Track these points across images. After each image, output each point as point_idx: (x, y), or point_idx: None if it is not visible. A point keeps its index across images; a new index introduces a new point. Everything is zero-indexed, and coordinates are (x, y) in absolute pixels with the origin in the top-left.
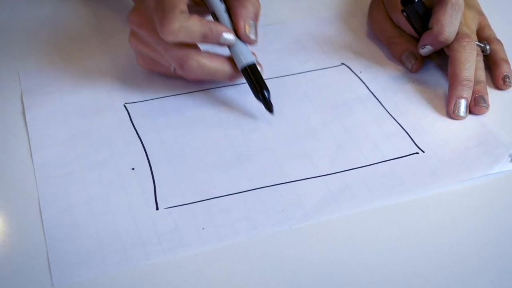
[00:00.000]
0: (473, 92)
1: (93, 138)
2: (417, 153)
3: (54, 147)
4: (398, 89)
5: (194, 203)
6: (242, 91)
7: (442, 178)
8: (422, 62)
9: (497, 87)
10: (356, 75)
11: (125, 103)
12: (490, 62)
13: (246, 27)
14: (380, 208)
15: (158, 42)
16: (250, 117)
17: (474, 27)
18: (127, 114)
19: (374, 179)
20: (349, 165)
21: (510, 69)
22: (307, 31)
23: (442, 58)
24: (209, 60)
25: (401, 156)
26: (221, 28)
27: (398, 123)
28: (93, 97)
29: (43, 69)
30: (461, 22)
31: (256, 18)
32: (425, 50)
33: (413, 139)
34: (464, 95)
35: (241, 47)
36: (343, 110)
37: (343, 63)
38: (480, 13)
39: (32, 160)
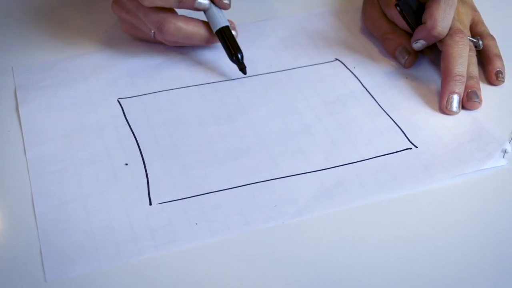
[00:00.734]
0: (466, 87)
1: (87, 134)
2: (410, 148)
3: (47, 142)
4: (392, 84)
5: (187, 199)
6: (236, 86)
7: (435, 173)
8: (416, 57)
9: (490, 82)
10: (350, 71)
11: (119, 98)
12: (483, 57)
13: None
14: (373, 203)
15: (137, 7)
16: (243, 112)
17: (467, 23)
18: (121, 109)
19: (367, 175)
20: (343, 161)
21: (503, 64)
22: (301, 26)
23: (435, 53)
24: (185, 23)
25: (394, 151)
26: None
27: (392, 119)
28: (87, 93)
29: (37, 64)
30: (454, 17)
31: None
32: (418, 44)
33: (406, 135)
34: (457, 90)
35: (215, 11)
36: (336, 105)
37: (337, 59)
38: (474, 9)
39: (26, 156)
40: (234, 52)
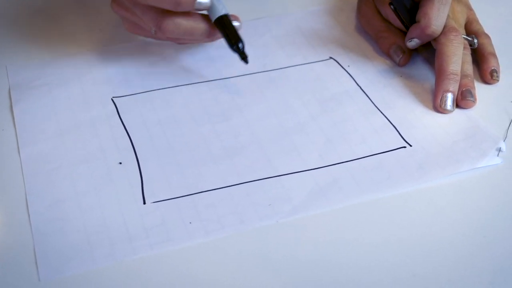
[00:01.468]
0: (460, 86)
1: (81, 133)
2: (405, 147)
3: (41, 141)
4: (386, 83)
5: (182, 197)
6: (231, 85)
7: (429, 172)
8: (410, 56)
9: (485, 81)
10: (344, 69)
11: (113, 97)
12: (478, 56)
13: None
14: (368, 202)
15: (135, 5)
16: (238, 111)
17: (462, 21)
18: (115, 108)
19: (362, 173)
20: (337, 159)
21: (498, 63)
22: (295, 25)
23: (430, 51)
24: (184, 19)
25: (388, 150)
26: None
27: (386, 117)
28: (81, 91)
29: (31, 63)
30: (448, 15)
31: None
32: (412, 43)
33: (401, 133)
34: (451, 89)
35: (214, 1)
36: (331, 104)
37: (331, 57)
38: (469, 8)
39: (20, 155)
40: (234, 41)
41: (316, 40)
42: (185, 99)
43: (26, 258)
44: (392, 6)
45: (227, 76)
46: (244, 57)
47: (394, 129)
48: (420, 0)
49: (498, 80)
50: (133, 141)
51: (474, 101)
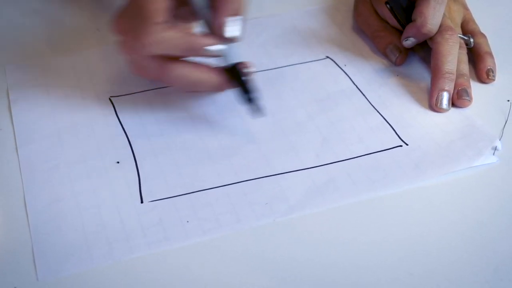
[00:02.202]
0: (456, 85)
1: (79, 132)
2: (401, 146)
3: (39, 141)
4: (382, 82)
5: (179, 196)
6: None
7: (425, 171)
8: (406, 55)
9: (481, 80)
10: (341, 69)
11: (110, 96)
12: (474, 55)
13: (226, 26)
14: (364, 201)
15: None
16: (235, 110)
17: (458, 20)
18: (113, 108)
19: (358, 172)
20: (334, 158)
21: (494, 62)
22: (292, 24)
23: (426, 51)
24: (191, 68)
25: (385, 149)
26: (203, 40)
27: (382, 116)
28: (79, 91)
29: (29, 63)
30: (444, 15)
31: (238, 13)
32: (408, 42)
33: (397, 132)
34: (446, 88)
35: (225, 47)
36: (327, 103)
37: (327, 57)
38: (465, 7)
39: (18, 154)
40: (245, 92)
41: (313, 39)
42: (182, 98)
43: (24, 258)
44: (388, 5)
45: None
46: (258, 110)
47: (390, 128)
48: None
49: (494, 80)
50: (130, 141)
51: (470, 100)
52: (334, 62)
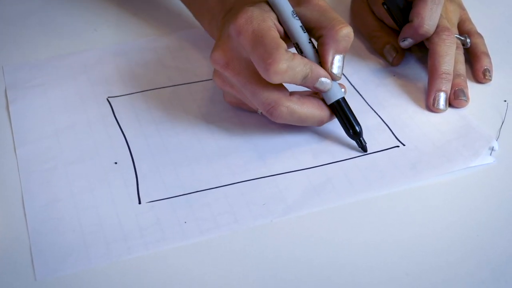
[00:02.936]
0: (453, 86)
1: (77, 132)
2: (398, 146)
3: (37, 141)
4: (379, 82)
5: (176, 197)
6: None
7: (422, 171)
8: (403, 55)
9: (478, 80)
10: None
11: (108, 97)
12: (471, 55)
13: (334, 63)
14: (361, 201)
15: (245, 85)
16: (232, 111)
17: (455, 20)
18: (110, 108)
19: (355, 172)
20: (331, 159)
21: (491, 62)
22: None
23: (423, 51)
24: (299, 105)
25: (382, 149)
26: (321, 71)
27: (379, 116)
28: (77, 91)
29: (27, 63)
30: (441, 15)
31: (345, 51)
32: (405, 43)
33: (394, 132)
34: (443, 88)
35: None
36: None
37: None
38: (462, 7)
39: (16, 154)
40: (352, 128)
41: None
42: (180, 99)
43: (22, 258)
44: (385, 6)
45: None
46: (362, 146)
47: (387, 128)
48: (412, 0)
49: (490, 80)
50: (128, 141)
51: (467, 101)
52: None
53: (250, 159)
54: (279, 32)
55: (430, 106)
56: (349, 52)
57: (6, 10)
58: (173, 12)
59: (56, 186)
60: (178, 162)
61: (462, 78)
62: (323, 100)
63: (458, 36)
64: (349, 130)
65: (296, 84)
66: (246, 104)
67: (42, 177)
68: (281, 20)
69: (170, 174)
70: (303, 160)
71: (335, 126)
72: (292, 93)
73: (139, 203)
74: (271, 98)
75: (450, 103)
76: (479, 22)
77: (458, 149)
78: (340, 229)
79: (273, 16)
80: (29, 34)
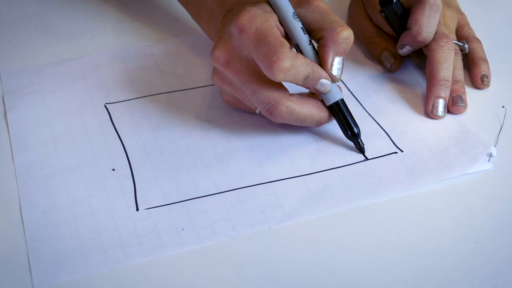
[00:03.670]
0: (451, 92)
1: (74, 139)
2: (396, 152)
3: (35, 148)
4: (377, 88)
5: (174, 204)
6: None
7: (420, 177)
8: (401, 62)
9: (476, 86)
10: None
11: (106, 103)
12: (469, 61)
13: (334, 65)
14: (359, 208)
15: (245, 84)
16: (230, 117)
17: (453, 26)
18: (108, 115)
19: (353, 179)
20: (328, 165)
21: (489, 68)
22: None
23: (421, 57)
24: (299, 105)
25: (380, 155)
26: (322, 72)
27: (377, 123)
28: (74, 98)
29: (24, 70)
30: (439, 22)
31: (345, 53)
32: (404, 50)
33: (392, 139)
34: (442, 95)
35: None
36: None
37: None
38: (460, 12)
39: (14, 161)
40: (351, 131)
41: None
42: (177, 105)
43: (20, 265)
44: (383, 14)
45: None
46: (360, 148)
47: (385, 134)
48: (411, 7)
49: (489, 85)
50: (126, 147)
51: (465, 107)
52: None
53: (248, 165)
54: (280, 33)
55: (429, 112)
56: (347, 58)
57: (3, 16)
58: (171, 18)
59: (53, 193)
60: (175, 168)
61: (460, 84)
62: (322, 102)
63: (456, 42)
64: (347, 132)
65: (298, 84)
66: (244, 104)
67: (40, 184)
68: (282, 21)
69: (168, 181)
70: (301, 167)
71: (333, 131)
72: (292, 94)
73: (137, 209)
74: (271, 97)
75: (448, 110)
76: (478, 27)
77: (456, 155)
78: (338, 236)
79: (274, 16)
80: (27, 40)
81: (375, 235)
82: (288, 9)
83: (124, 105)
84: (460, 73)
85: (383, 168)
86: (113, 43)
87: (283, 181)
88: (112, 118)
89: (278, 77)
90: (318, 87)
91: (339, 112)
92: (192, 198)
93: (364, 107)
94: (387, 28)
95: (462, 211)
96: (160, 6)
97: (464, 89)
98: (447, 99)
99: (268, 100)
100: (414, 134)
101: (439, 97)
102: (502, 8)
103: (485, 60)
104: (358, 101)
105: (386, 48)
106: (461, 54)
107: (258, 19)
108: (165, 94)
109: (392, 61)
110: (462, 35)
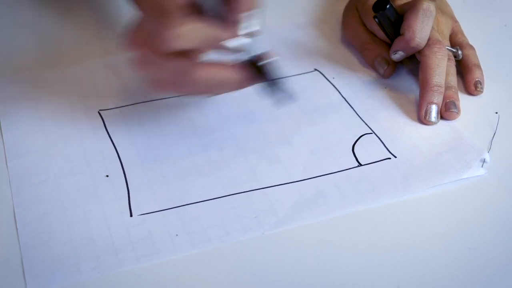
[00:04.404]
0: (444, 98)
1: (68, 146)
2: (389, 158)
3: (29, 155)
4: (371, 94)
5: (168, 210)
6: (217, 98)
7: (414, 183)
8: (394, 67)
9: (469, 92)
10: (329, 81)
11: (100, 110)
12: (462, 67)
13: (243, 22)
14: (353, 213)
15: (163, 56)
16: (224, 124)
17: (447, 32)
18: (102, 121)
19: (347, 185)
20: (322, 171)
21: (482, 74)
22: (280, 37)
23: (414, 63)
24: (212, 70)
25: (373, 161)
26: (222, 34)
27: (370, 129)
28: (68, 104)
29: (18, 77)
30: (433, 28)
31: (254, 5)
32: (397, 55)
33: (385, 145)
34: (435, 101)
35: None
36: (316, 116)
37: (316, 69)
38: (454, 19)
39: (8, 168)
40: (270, 83)
41: (301, 52)
42: (171, 112)
43: (14, 271)
44: (376, 19)
45: None
46: (288, 96)
47: (379, 140)
48: (404, 13)
49: (482, 92)
50: (119, 154)
51: (458, 113)
52: (322, 74)
53: (241, 172)
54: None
55: (422, 118)
56: (340, 64)
57: None
58: None
59: (47, 199)
60: (169, 174)
61: (454, 90)
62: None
63: (449, 48)
64: (268, 88)
65: (201, 48)
66: (166, 82)
67: (34, 190)
68: None
69: (161, 187)
70: (294, 173)
71: (327, 136)
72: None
73: (131, 216)
74: (181, 65)
75: (441, 115)
76: (471, 33)
77: (449, 161)
78: (331, 242)
79: None
80: (20, 48)
81: (368, 241)
82: None
83: (118, 112)
84: (453, 79)
85: (376, 174)
86: (106, 51)
87: (277, 187)
88: (106, 125)
89: (167, 46)
90: (225, 46)
91: (256, 69)
92: (186, 204)
93: (358, 113)
94: (381, 34)
95: (455, 217)
96: None
97: (457, 95)
98: (440, 105)
99: (185, 66)
100: (407, 140)
101: (432, 103)
102: (495, 14)
103: (479, 67)
104: (352, 107)
105: (380, 54)
106: (454, 60)
107: None
108: (159, 100)
109: (386, 67)
110: (456, 42)
